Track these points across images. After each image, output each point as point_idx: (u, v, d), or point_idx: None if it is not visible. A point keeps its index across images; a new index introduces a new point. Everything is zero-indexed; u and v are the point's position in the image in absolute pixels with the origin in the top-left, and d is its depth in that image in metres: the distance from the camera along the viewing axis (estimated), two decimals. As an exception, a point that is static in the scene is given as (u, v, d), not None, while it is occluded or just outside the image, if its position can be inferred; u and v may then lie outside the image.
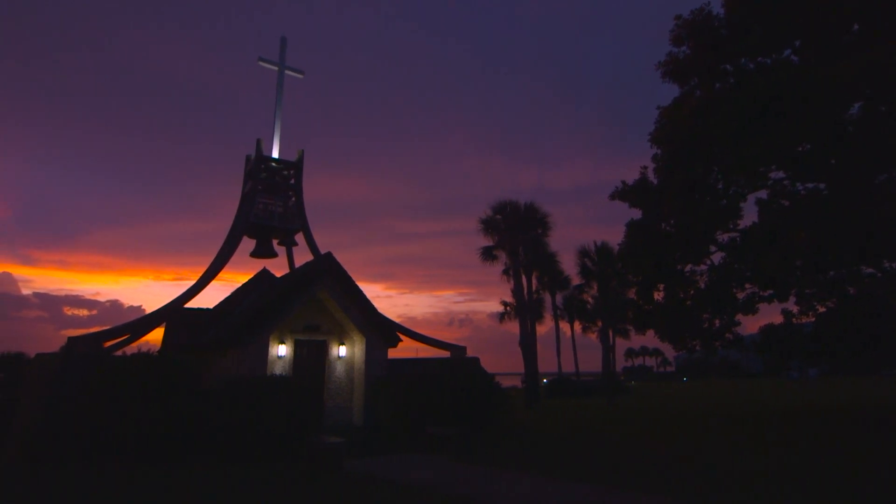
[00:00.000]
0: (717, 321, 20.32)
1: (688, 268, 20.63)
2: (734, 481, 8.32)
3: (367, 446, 12.42)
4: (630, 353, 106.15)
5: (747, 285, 19.76)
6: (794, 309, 20.27)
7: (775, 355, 21.02)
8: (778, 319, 21.02)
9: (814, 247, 15.69)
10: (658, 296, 21.20)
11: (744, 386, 50.40)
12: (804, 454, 10.70)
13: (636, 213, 21.14)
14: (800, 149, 17.08)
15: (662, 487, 7.89)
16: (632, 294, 24.26)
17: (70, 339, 13.34)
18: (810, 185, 18.20)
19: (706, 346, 20.53)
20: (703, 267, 20.59)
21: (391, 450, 12.30)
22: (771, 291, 19.36)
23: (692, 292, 20.54)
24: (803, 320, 20.35)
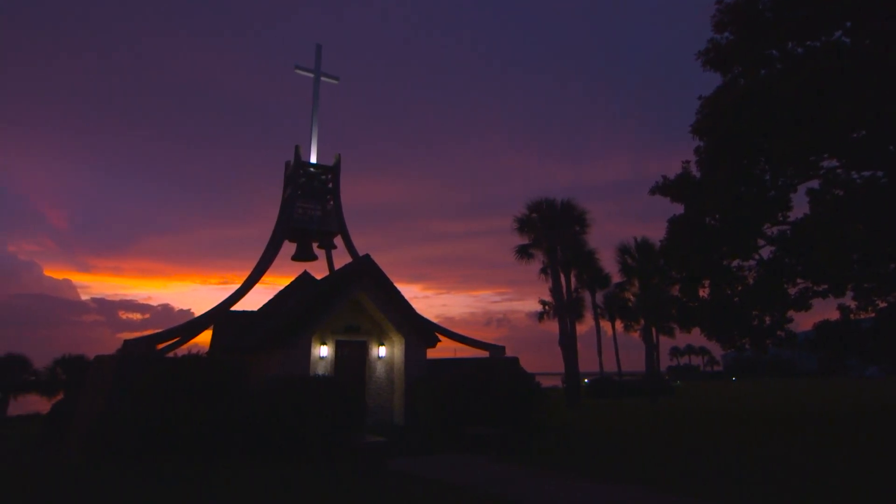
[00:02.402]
0: (767, 318, 19.53)
1: (735, 263, 19.91)
2: (781, 485, 7.96)
3: (408, 446, 12.52)
4: (675, 351, 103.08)
5: (799, 280, 18.91)
6: (852, 304, 19.28)
7: (831, 353, 20.05)
8: (834, 315, 20.07)
9: (872, 238, 14.85)
10: (703, 292, 20.56)
11: (798, 385, 48.18)
12: (864, 458, 10.13)
13: (678, 208, 20.57)
14: (854, 135, 16.20)
15: (707, 490, 7.63)
16: (675, 291, 23.57)
17: (126, 342, 13.97)
18: (867, 174, 17.24)
19: (756, 344, 19.77)
20: (752, 262, 19.83)
21: (432, 450, 12.35)
22: (826, 286, 18.46)
23: (740, 288, 19.82)
24: (862, 316, 19.32)
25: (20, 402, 23.75)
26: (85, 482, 9.14)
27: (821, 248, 15.31)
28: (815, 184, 18.47)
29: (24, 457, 12.51)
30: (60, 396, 20.90)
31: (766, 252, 19.65)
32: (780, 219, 18.69)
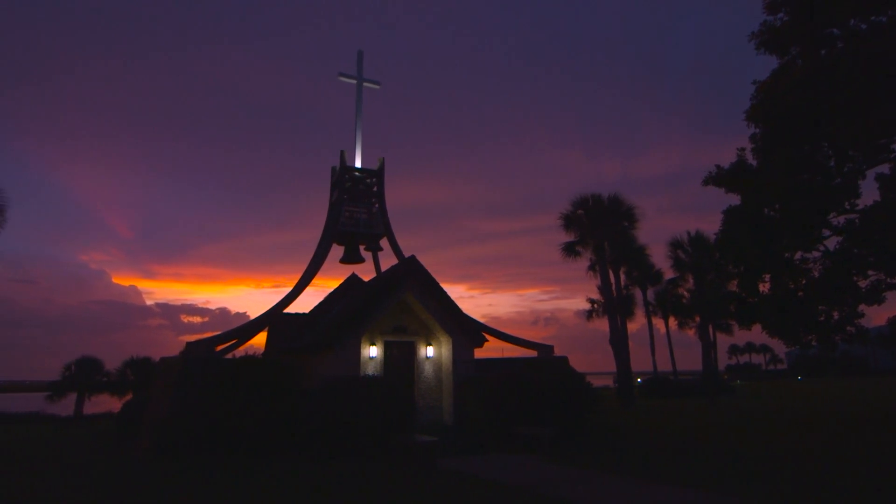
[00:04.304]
0: (835, 313, 18.35)
1: (798, 255, 18.82)
2: (850, 490, 7.45)
3: (457, 445, 12.53)
4: (734, 349, 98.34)
5: (871, 272, 17.66)
6: (932, 296, 17.87)
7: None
8: (910, 309, 18.67)
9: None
10: (764, 287, 19.53)
11: (871, 385, 45.01)
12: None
13: (733, 199, 19.66)
14: (930, 114, 14.99)
15: (769, 495, 7.24)
16: (733, 286, 22.51)
17: (188, 344, 14.68)
18: (944, 155, 15.93)
19: (823, 340, 18.60)
20: (816, 253, 18.69)
21: (482, 449, 12.32)
22: (901, 277, 17.18)
23: (804, 282, 18.71)
24: (944, 309, 17.86)
25: (94, 401, 25.39)
26: (157, 474, 9.66)
27: (894, 236, 14.26)
28: (885, 169, 17.24)
29: (100, 452, 13.34)
30: (130, 396, 22.17)
31: (832, 243, 18.49)
32: (848, 207, 17.54)
